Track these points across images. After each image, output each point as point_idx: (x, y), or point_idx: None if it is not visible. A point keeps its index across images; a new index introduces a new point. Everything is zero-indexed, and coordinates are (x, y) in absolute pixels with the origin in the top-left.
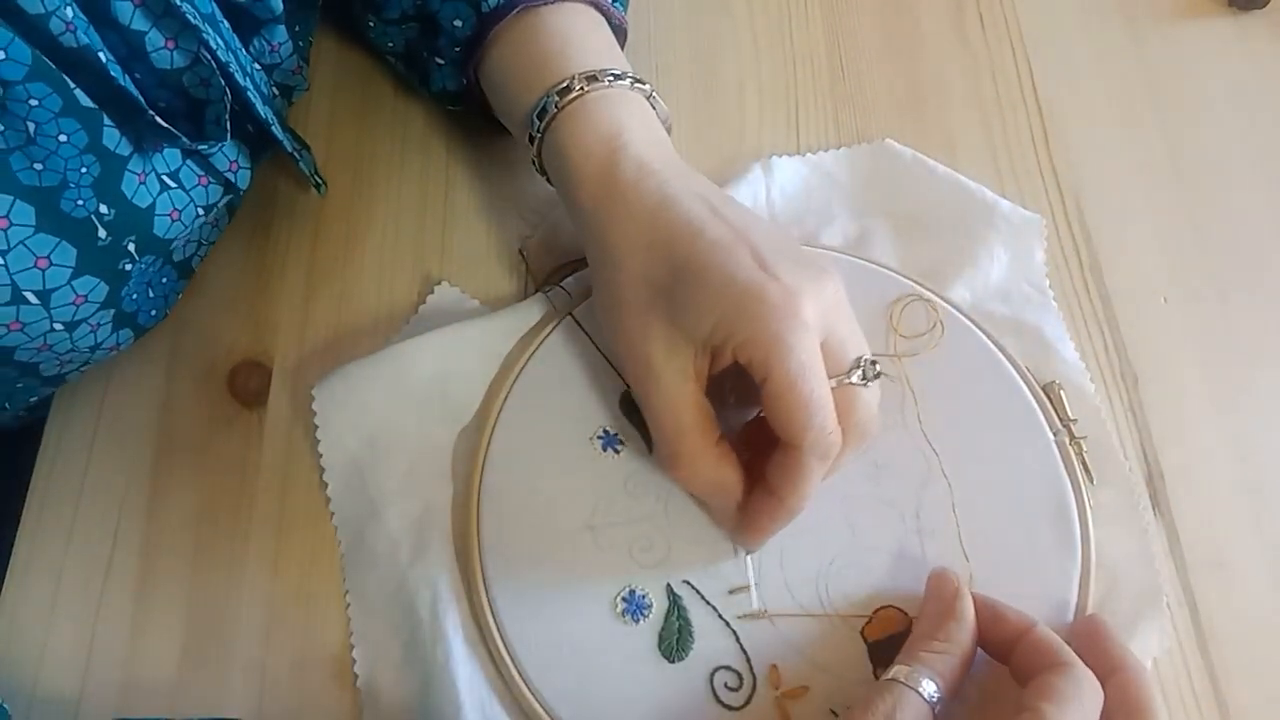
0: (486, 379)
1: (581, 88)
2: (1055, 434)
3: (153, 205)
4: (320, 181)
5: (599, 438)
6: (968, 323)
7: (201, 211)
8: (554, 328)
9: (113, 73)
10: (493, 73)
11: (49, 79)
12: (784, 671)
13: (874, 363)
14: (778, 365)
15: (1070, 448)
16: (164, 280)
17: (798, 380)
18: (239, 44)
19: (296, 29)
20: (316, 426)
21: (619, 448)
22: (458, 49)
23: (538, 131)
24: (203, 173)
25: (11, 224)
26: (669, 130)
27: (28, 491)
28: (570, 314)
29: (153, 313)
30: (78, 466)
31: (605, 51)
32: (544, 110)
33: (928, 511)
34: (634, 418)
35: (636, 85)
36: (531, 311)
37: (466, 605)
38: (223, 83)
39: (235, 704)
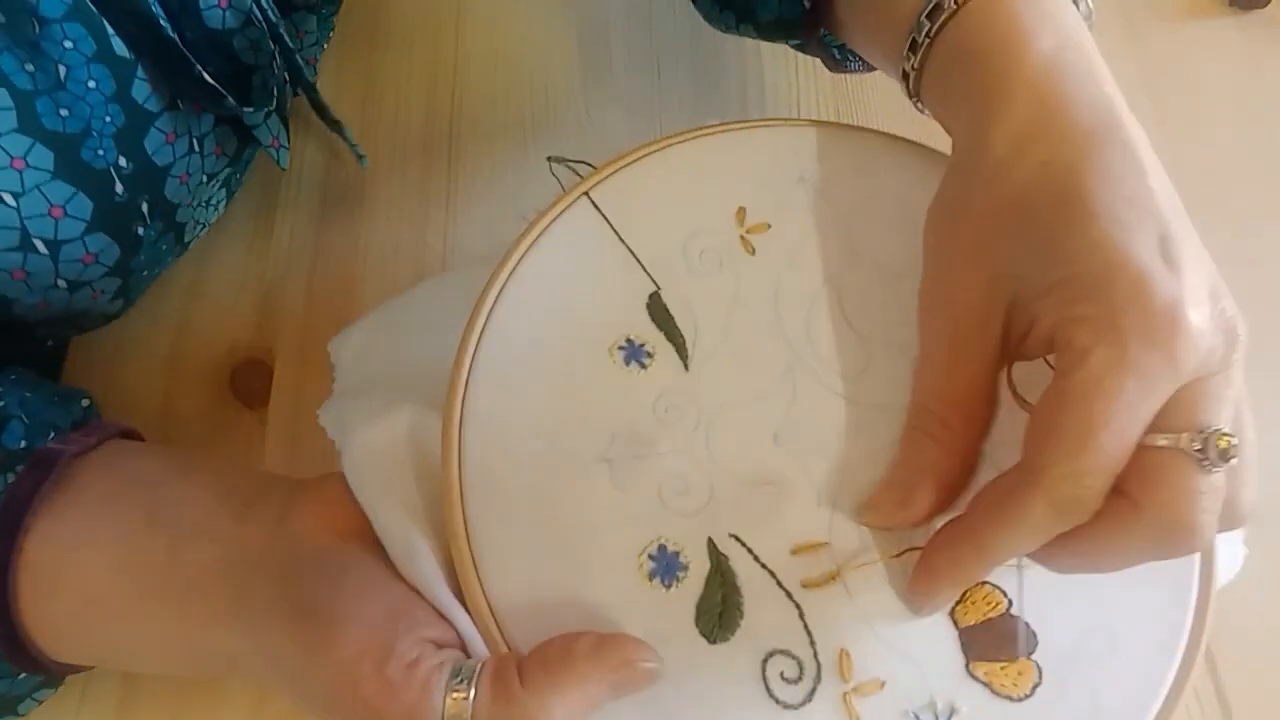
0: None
1: None
2: None
3: (170, 166)
4: (362, 154)
5: (621, 348)
6: None
7: (205, 179)
8: (564, 210)
9: (162, 24)
10: None
11: (87, 21)
12: (856, 659)
13: (1231, 443)
14: (1091, 367)
15: None
16: (163, 247)
17: (1096, 394)
18: (279, 16)
19: (321, 14)
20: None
21: (646, 361)
22: None
23: (927, 34)
24: (220, 143)
25: (29, 166)
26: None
27: None
28: (586, 194)
29: (144, 274)
30: None
31: None
32: (937, 9)
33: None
34: (666, 326)
35: None
36: None
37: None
38: (273, 47)
39: (236, 705)
